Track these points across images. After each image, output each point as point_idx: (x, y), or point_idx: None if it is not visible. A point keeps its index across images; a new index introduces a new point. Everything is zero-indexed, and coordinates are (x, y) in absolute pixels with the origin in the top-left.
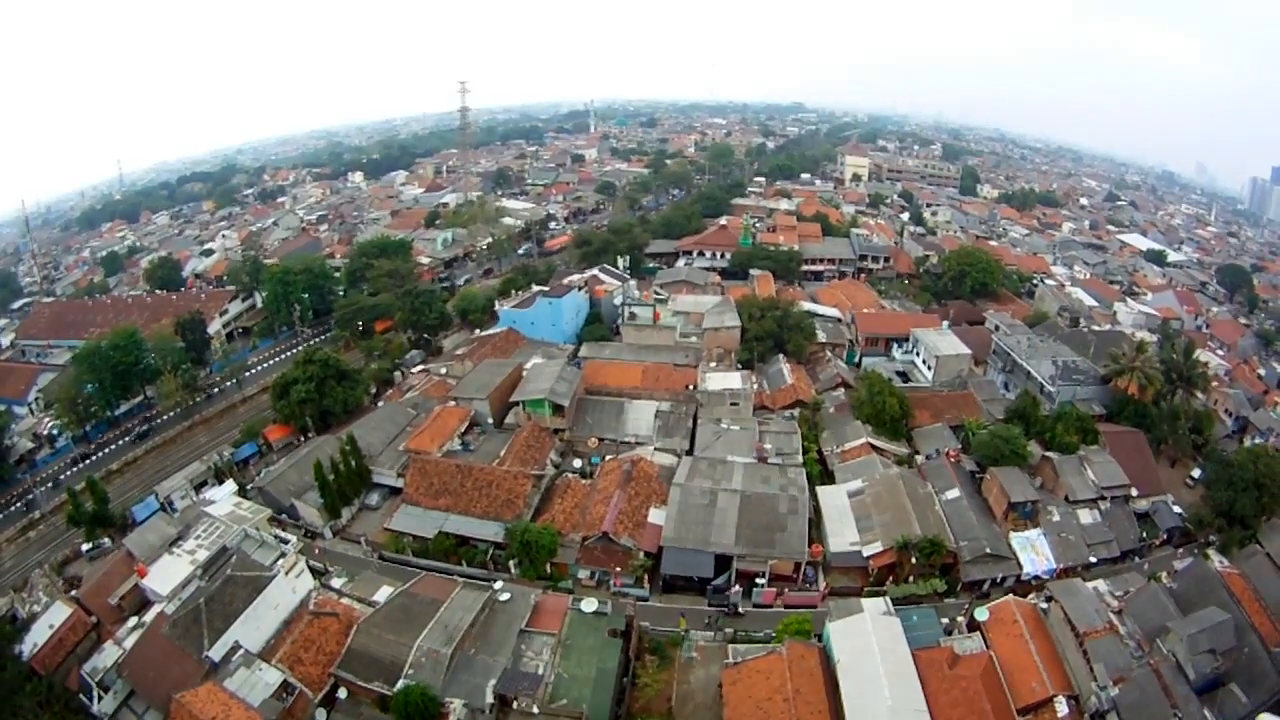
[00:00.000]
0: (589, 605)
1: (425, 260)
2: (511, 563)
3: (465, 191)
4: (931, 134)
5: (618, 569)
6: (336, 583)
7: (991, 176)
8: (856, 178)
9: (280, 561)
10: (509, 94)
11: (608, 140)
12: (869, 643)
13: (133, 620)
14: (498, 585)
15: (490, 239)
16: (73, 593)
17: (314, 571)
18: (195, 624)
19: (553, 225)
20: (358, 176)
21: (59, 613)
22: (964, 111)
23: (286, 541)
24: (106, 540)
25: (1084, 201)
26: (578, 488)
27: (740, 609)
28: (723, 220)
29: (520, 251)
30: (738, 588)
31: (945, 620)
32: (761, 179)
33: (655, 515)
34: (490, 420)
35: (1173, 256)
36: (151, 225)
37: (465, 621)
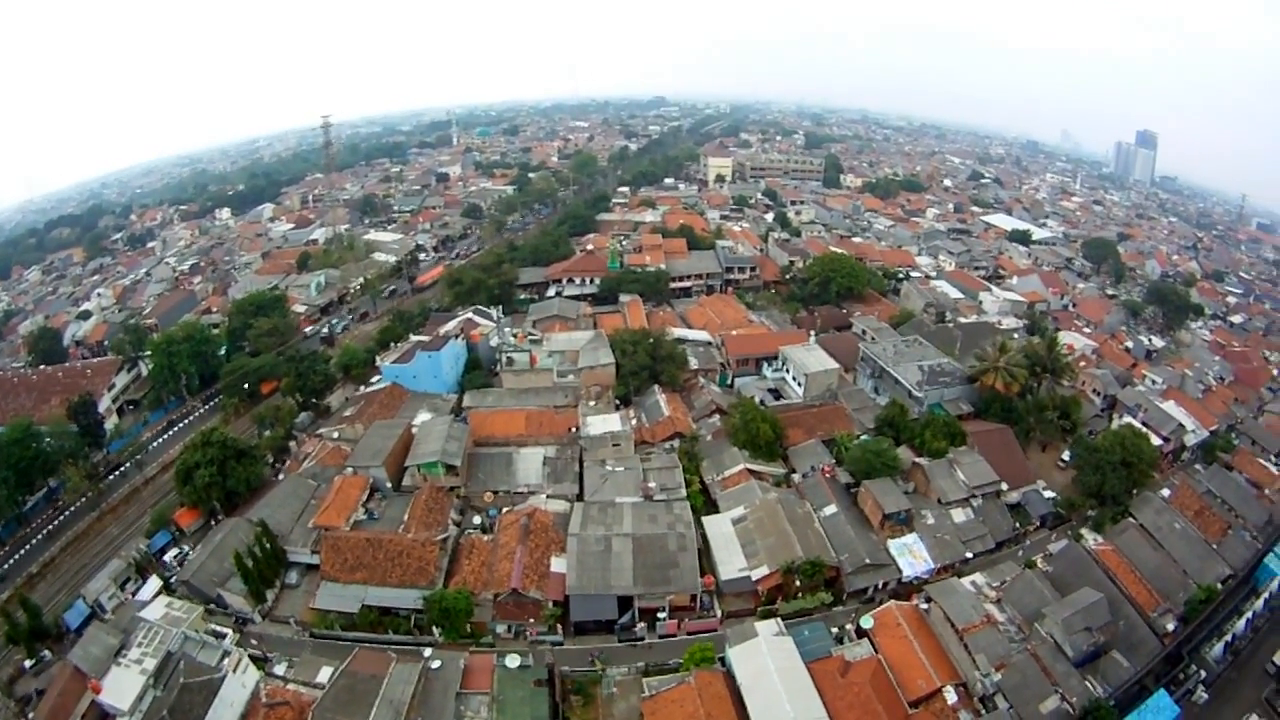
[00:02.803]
0: (513, 660)
1: (301, 309)
2: (435, 629)
3: (333, 225)
4: (794, 121)
5: (531, 620)
6: (280, 669)
7: (855, 164)
8: (720, 179)
9: (226, 660)
10: (371, 104)
11: (471, 154)
12: (766, 663)
13: None
14: (428, 653)
15: (363, 279)
16: (30, 716)
17: (255, 660)
18: None
19: (422, 257)
20: (225, 213)
21: None
22: (826, 94)
23: (223, 636)
24: (47, 653)
25: (947, 183)
26: (482, 546)
27: (647, 641)
28: (590, 242)
29: (392, 290)
30: (643, 624)
31: (835, 630)
32: (625, 189)
33: (557, 564)
34: (389, 484)
35: (1038, 234)
36: (24, 282)
37: (407, 694)
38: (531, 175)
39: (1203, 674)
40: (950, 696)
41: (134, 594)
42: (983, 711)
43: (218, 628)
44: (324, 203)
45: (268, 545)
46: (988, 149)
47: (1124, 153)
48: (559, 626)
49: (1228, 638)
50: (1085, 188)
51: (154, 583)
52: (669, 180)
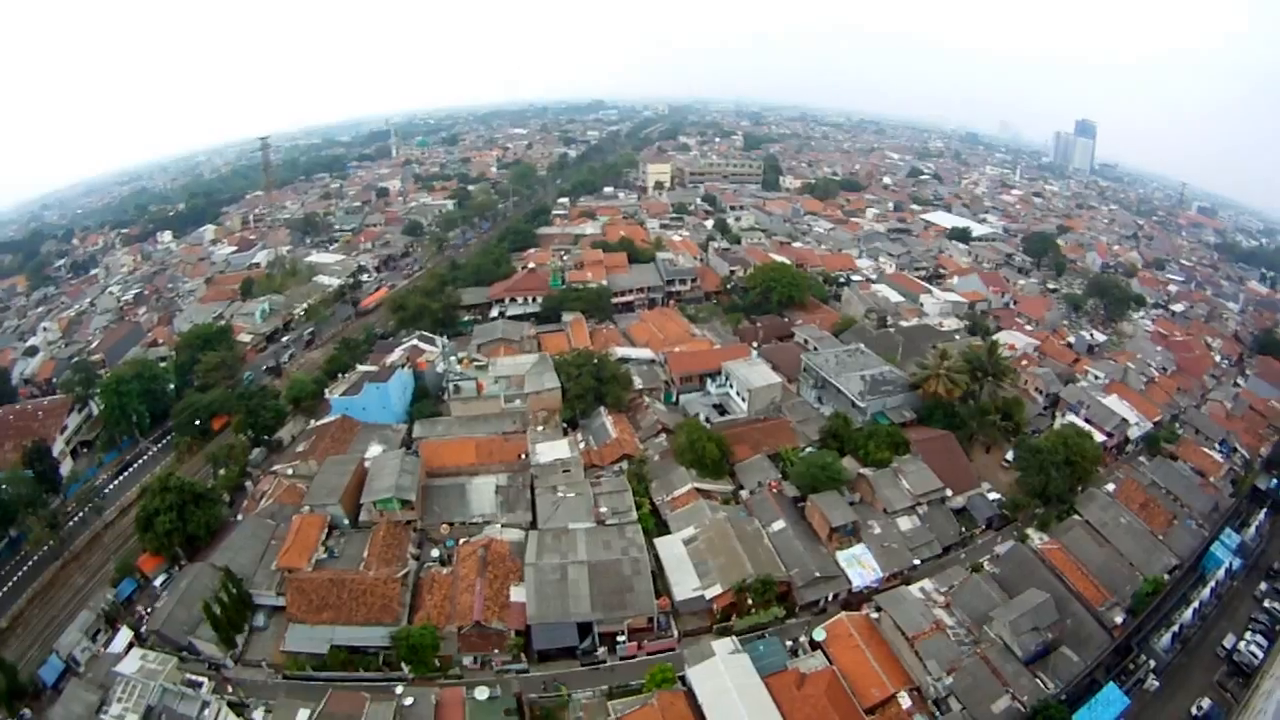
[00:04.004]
0: (482, 693)
1: (247, 338)
2: (404, 665)
3: (275, 247)
4: (733, 121)
5: (496, 650)
6: (258, 714)
7: (794, 165)
8: (659, 186)
9: (206, 711)
10: (309, 113)
11: (411, 166)
12: (725, 681)
13: None
14: (399, 690)
15: (307, 305)
16: None
17: (233, 707)
18: None
19: (365, 278)
20: (167, 236)
21: None
22: (764, 91)
23: (199, 685)
24: (27, 711)
25: (886, 180)
26: (442, 580)
27: (609, 664)
28: (531, 258)
29: (337, 315)
30: (603, 648)
31: (789, 643)
32: (565, 200)
33: (516, 593)
34: (346, 521)
35: (978, 230)
36: None
37: None
38: (471, 188)
39: (1152, 663)
40: (904, 701)
41: (106, 646)
42: (937, 714)
43: (193, 676)
44: (265, 223)
45: (233, 590)
46: (926, 143)
47: (1063, 142)
48: (523, 655)
49: (1175, 627)
50: (1025, 179)
51: (125, 634)
52: (608, 189)
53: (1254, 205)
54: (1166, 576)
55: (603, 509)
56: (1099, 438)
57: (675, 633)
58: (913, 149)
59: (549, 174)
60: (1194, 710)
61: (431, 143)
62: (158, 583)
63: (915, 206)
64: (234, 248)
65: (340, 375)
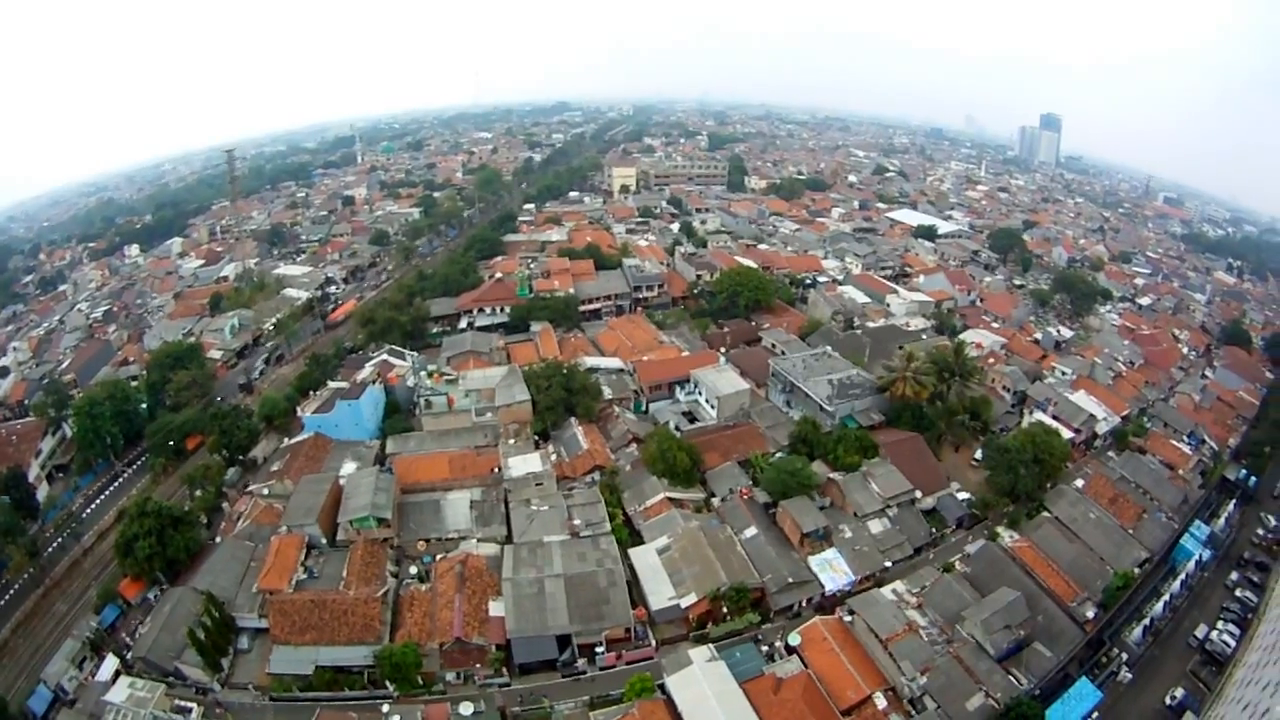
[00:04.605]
0: (467, 708)
1: (217, 355)
2: (389, 684)
3: (242, 259)
4: (697, 121)
5: (478, 665)
6: None
7: (759, 165)
8: (625, 189)
9: None
10: (275, 119)
11: (376, 173)
12: (704, 689)
13: None
14: (386, 709)
15: (276, 320)
16: None
17: None
18: None
19: (333, 290)
20: (134, 250)
21: None
22: (729, 90)
23: (189, 710)
24: None
25: (852, 179)
26: (421, 597)
27: (589, 675)
28: (498, 267)
29: (306, 329)
30: (583, 659)
31: (765, 648)
32: (531, 206)
33: (495, 608)
34: (324, 540)
35: (943, 228)
36: None
37: None
38: (437, 195)
39: (1125, 656)
40: (880, 702)
41: (93, 674)
42: (913, 713)
43: (182, 702)
44: (232, 235)
45: (216, 614)
46: (891, 139)
47: (1028, 136)
48: (505, 669)
49: (1147, 620)
50: (990, 173)
51: (111, 661)
52: (574, 193)
53: (1220, 194)
54: (1137, 570)
55: (576, 521)
56: (1067, 434)
57: (653, 642)
58: (878, 145)
59: (514, 179)
60: (1168, 700)
61: (397, 148)
62: (139, 608)
63: (881, 205)
64: (202, 261)
65: (312, 392)
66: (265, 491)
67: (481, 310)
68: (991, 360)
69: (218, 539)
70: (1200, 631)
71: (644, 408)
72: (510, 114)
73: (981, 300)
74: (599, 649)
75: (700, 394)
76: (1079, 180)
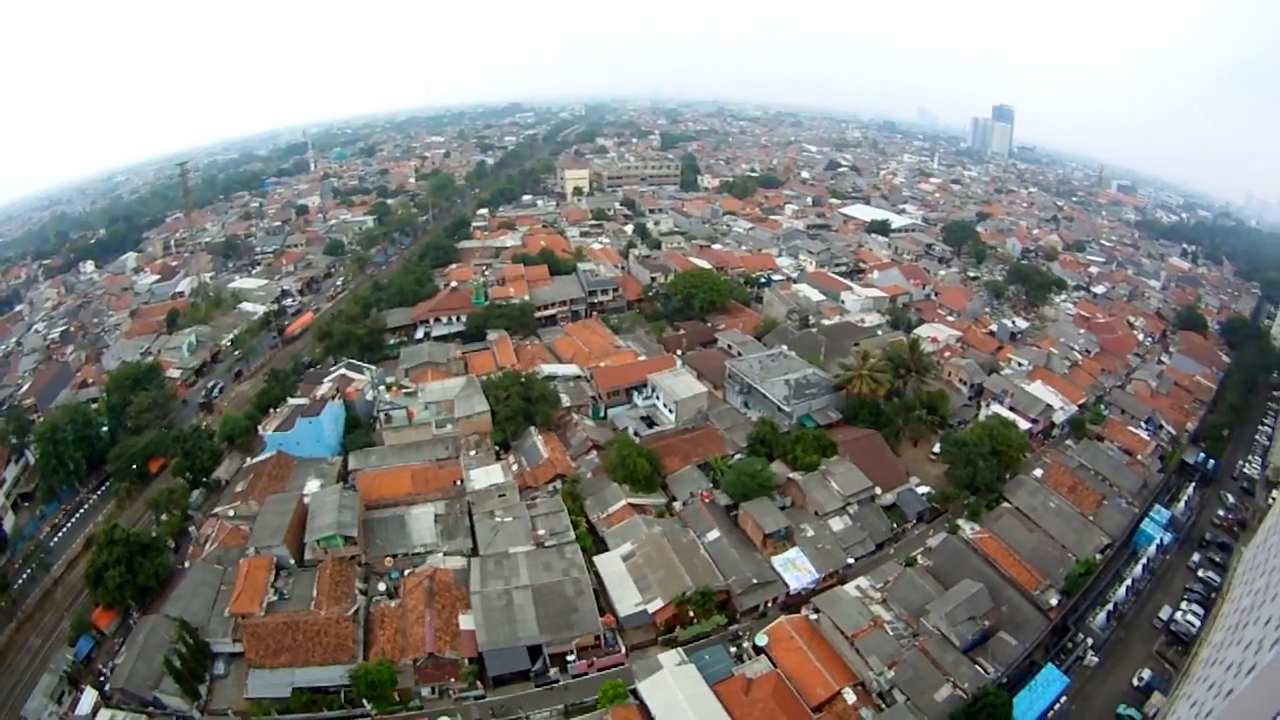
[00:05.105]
0: None
1: (176, 374)
2: (366, 702)
3: (198, 274)
4: (650, 120)
5: (452, 679)
6: None
7: (711, 163)
8: (578, 192)
9: None
10: (226, 126)
11: (329, 180)
12: (675, 693)
13: None
14: None
15: (234, 335)
16: None
17: None
18: None
19: (289, 303)
20: (89, 266)
21: None
22: (681, 87)
23: None
24: None
25: (805, 175)
26: (392, 614)
27: (562, 683)
28: (453, 275)
29: (264, 344)
30: (555, 668)
31: (734, 649)
32: (485, 211)
33: (465, 621)
34: (292, 560)
35: (897, 222)
36: None
37: None
38: (390, 202)
39: (1090, 641)
40: (850, 697)
41: (72, 708)
42: (883, 707)
43: None
44: (186, 248)
45: (190, 640)
46: (844, 133)
47: (981, 127)
48: (479, 681)
49: (1110, 605)
50: (943, 165)
51: (90, 694)
52: (527, 197)
53: (1174, 181)
54: (1099, 556)
55: (541, 531)
56: (1024, 425)
57: (622, 648)
58: (830, 140)
59: (467, 183)
60: (1135, 681)
61: (349, 155)
62: (114, 638)
63: (834, 200)
64: (157, 276)
65: (272, 409)
66: (231, 513)
67: (438, 320)
68: (947, 354)
69: (186, 563)
70: (1164, 613)
71: (603, 414)
72: (462, 116)
73: (936, 294)
74: (570, 657)
75: (658, 398)
76: (1032, 170)
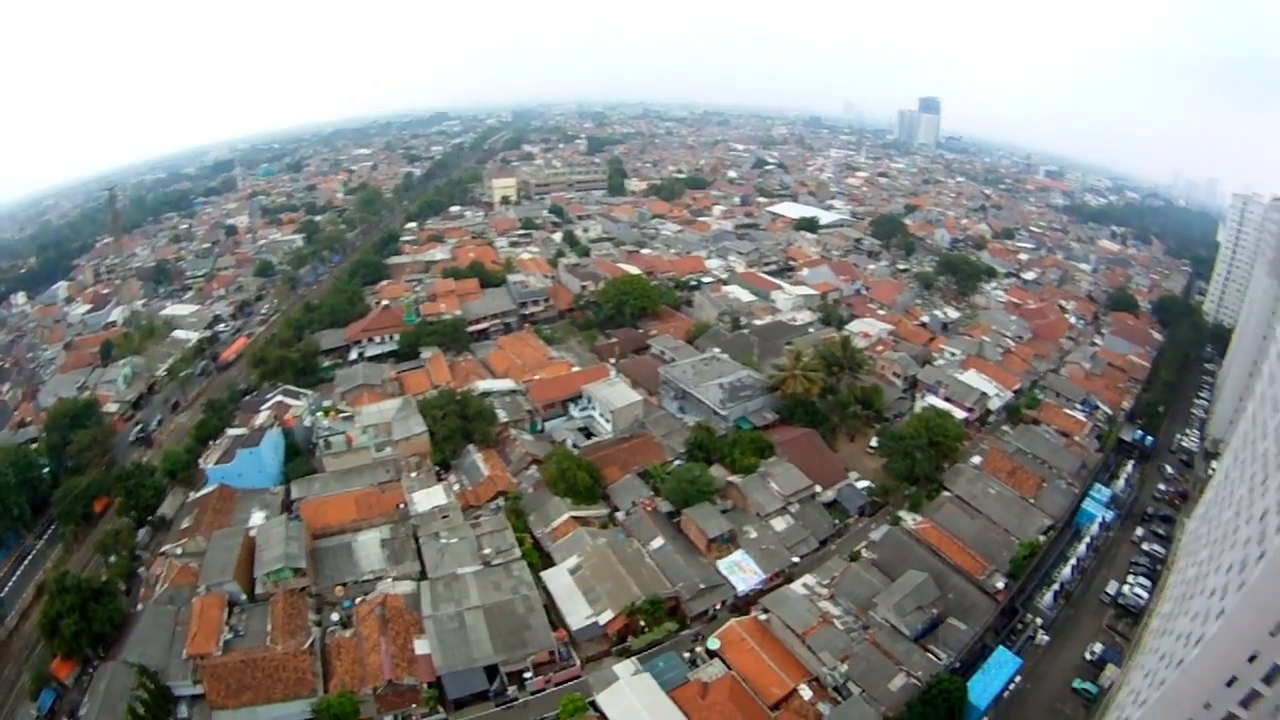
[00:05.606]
0: None
1: (113, 408)
2: None
3: (129, 302)
4: (576, 124)
5: (413, 705)
6: None
7: (639, 166)
8: (505, 200)
9: None
10: (153, 144)
11: (258, 198)
12: (633, 702)
13: None
14: None
15: (169, 364)
16: None
17: None
18: None
19: (222, 328)
20: (20, 298)
21: None
22: (607, 89)
23: None
24: None
25: (732, 174)
26: (347, 643)
27: (521, 701)
28: (384, 292)
29: (199, 371)
30: (513, 687)
31: (687, 654)
32: (413, 224)
33: (421, 646)
34: (244, 596)
35: (825, 218)
36: None
37: None
38: (318, 219)
39: (1039, 621)
40: (806, 693)
41: None
42: (839, 700)
43: None
44: (117, 274)
45: (151, 686)
46: (770, 130)
47: (907, 119)
48: (440, 705)
49: (1057, 585)
50: (870, 159)
51: None
52: (455, 208)
53: (1102, 164)
54: (1042, 538)
55: (486, 550)
56: (960, 414)
57: (577, 662)
58: (757, 138)
59: (395, 196)
60: (1088, 656)
61: (276, 171)
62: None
63: (762, 199)
64: (89, 306)
65: (211, 441)
66: (179, 551)
67: (371, 340)
68: (880, 348)
69: (139, 606)
70: (1111, 588)
71: (540, 427)
72: (389, 127)
73: (867, 289)
74: (527, 675)
75: (594, 409)
76: (960, 160)
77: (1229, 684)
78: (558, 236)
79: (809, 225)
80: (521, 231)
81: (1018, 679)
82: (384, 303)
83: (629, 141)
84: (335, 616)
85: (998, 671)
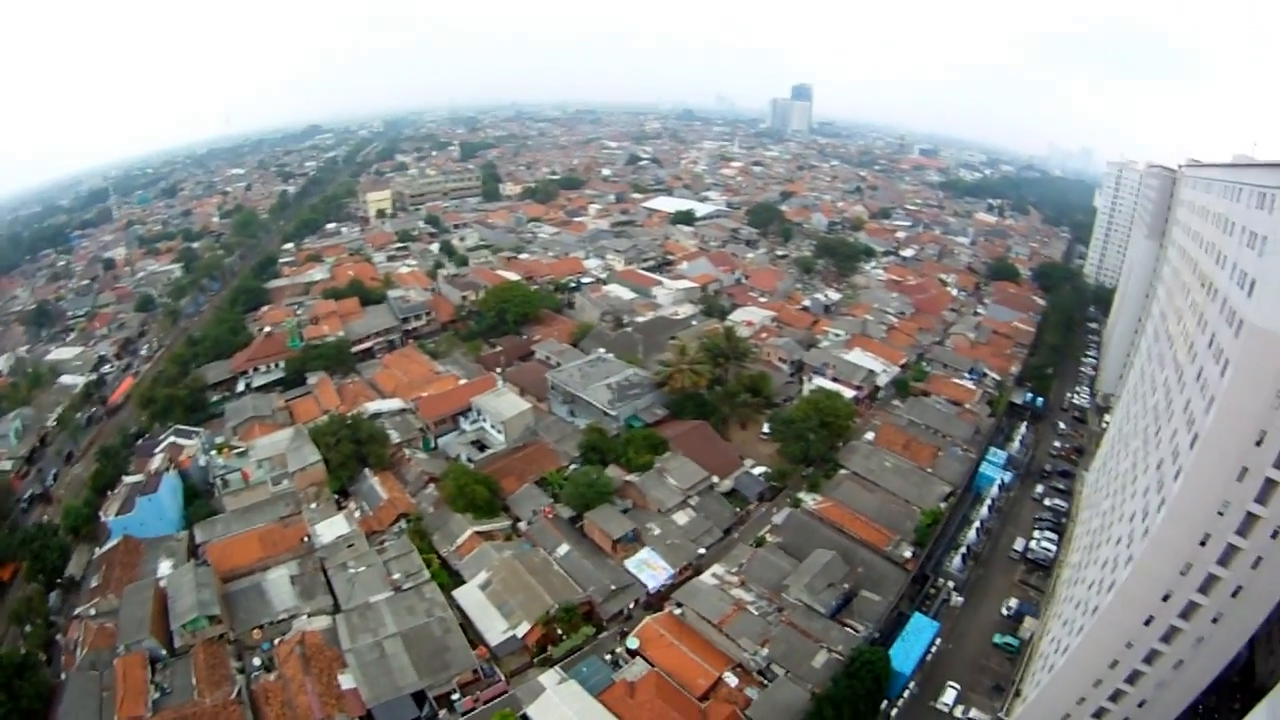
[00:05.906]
0: None
1: (8, 465)
2: None
3: (12, 349)
4: (449, 131)
5: None
6: None
7: (513, 170)
8: (381, 214)
9: None
10: (24, 176)
11: (134, 228)
12: (563, 711)
13: None
14: None
15: (59, 413)
16: None
17: None
18: None
19: (107, 369)
20: None
21: None
22: (477, 93)
23: None
24: None
25: (606, 172)
26: (273, 687)
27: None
28: (266, 318)
29: (86, 419)
30: (443, 710)
31: (609, 656)
32: (291, 245)
33: (346, 681)
34: (163, 651)
35: (701, 210)
36: None
37: None
38: (195, 245)
39: (951, 584)
40: (732, 680)
41: None
42: (765, 683)
43: None
44: None
45: None
46: (643, 125)
47: (780, 107)
48: None
49: (963, 548)
50: (744, 148)
51: None
52: (331, 225)
53: (976, 139)
54: (943, 505)
55: (395, 575)
56: (849, 393)
57: (502, 677)
58: (629, 134)
59: (271, 216)
60: (1005, 611)
61: (152, 197)
62: None
63: (637, 195)
64: None
65: (109, 491)
66: (93, 612)
67: (256, 369)
68: (764, 335)
69: (63, 675)
70: (1019, 545)
71: (433, 444)
72: (262, 144)
73: (747, 277)
74: (455, 696)
75: (485, 421)
76: (834, 144)
77: (1146, 623)
78: (435, 247)
79: (685, 218)
80: (399, 245)
81: (938, 642)
82: (266, 329)
83: (502, 145)
84: (257, 660)
85: (917, 637)
